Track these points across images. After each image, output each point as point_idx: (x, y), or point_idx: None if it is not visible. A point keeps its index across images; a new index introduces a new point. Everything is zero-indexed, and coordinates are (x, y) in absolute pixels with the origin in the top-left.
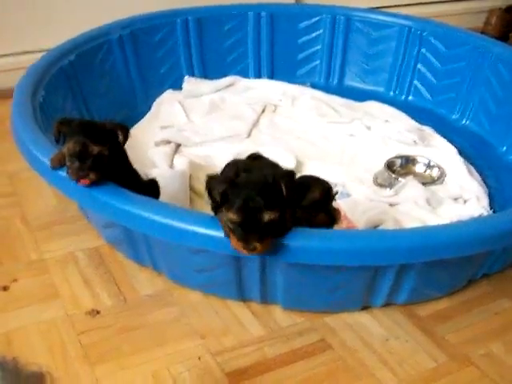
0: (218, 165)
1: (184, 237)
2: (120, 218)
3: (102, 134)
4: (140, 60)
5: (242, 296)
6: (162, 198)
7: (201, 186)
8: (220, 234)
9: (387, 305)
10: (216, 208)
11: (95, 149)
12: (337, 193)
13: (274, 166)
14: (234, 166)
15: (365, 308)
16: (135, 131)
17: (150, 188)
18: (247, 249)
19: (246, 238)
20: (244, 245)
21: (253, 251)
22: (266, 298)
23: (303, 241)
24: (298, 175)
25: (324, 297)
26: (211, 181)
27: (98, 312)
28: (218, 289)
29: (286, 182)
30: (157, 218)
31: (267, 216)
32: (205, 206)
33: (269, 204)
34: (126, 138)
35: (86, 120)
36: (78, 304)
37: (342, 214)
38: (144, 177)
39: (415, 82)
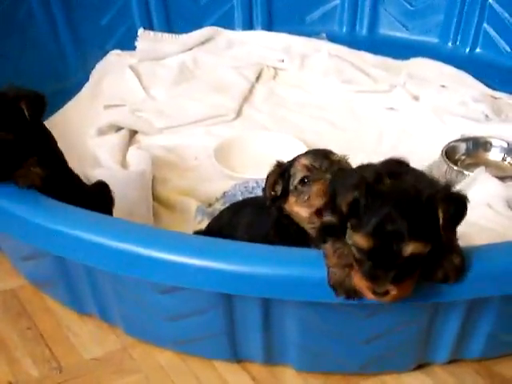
0: (192, 159)
1: (149, 269)
2: (49, 243)
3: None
4: (69, 6)
5: (237, 355)
6: (114, 211)
7: (168, 193)
8: (203, 262)
9: (454, 361)
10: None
11: None
12: None
13: (431, 182)
14: (372, 166)
15: (420, 366)
16: (67, 112)
17: (97, 196)
18: (377, 292)
19: (377, 275)
20: (372, 285)
21: (384, 297)
22: (271, 357)
23: None
24: None
25: (358, 352)
26: (336, 180)
27: None
28: (200, 345)
29: (445, 205)
30: (105, 240)
31: (411, 248)
32: (175, 222)
33: (416, 231)
34: (35, 112)
35: None
36: None
37: None
38: (84, 180)
39: (485, 26)
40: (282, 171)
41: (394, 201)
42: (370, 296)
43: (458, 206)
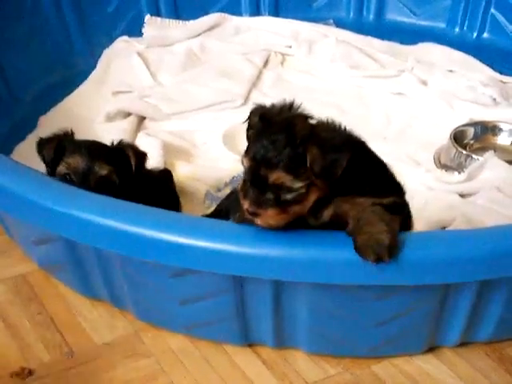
0: (201, 145)
1: (160, 251)
2: (60, 226)
3: (111, 154)
4: None
5: (247, 338)
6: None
7: (177, 178)
8: (216, 245)
9: (465, 344)
10: None
11: (103, 168)
12: None
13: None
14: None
15: (431, 349)
16: (75, 99)
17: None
18: (250, 211)
19: (250, 194)
20: (245, 201)
21: (256, 219)
22: (282, 341)
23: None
24: None
25: (369, 334)
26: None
27: (30, 372)
28: (211, 330)
29: (314, 150)
30: (116, 224)
31: (274, 176)
32: (185, 206)
33: (284, 163)
34: (139, 162)
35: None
36: None
37: None
38: None
39: (493, 10)
40: None
41: (275, 133)
42: (247, 215)
43: (334, 157)
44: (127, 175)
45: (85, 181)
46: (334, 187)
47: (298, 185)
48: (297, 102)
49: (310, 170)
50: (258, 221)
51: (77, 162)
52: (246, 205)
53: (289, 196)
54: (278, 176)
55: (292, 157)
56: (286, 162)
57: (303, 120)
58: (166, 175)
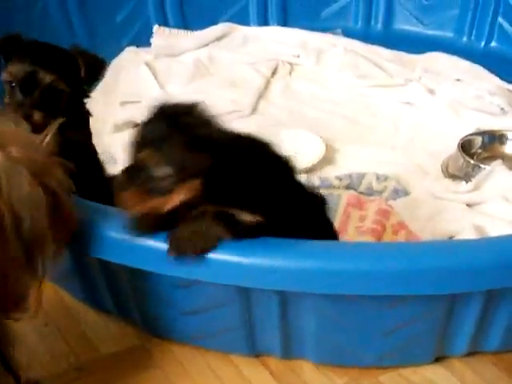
0: None
1: (164, 263)
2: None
3: (61, 61)
4: (84, 2)
5: (255, 349)
6: None
7: None
8: (219, 255)
9: (473, 353)
10: None
11: (47, 77)
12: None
13: None
14: None
15: (438, 359)
16: None
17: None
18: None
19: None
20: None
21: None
22: (289, 351)
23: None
24: (329, 166)
25: (376, 344)
26: None
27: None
28: (218, 340)
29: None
30: (119, 234)
31: (145, 153)
32: None
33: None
34: (91, 73)
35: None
36: None
37: (398, 219)
38: None
39: (500, 20)
40: None
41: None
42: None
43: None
44: (78, 85)
45: (28, 90)
46: (209, 193)
47: (164, 172)
48: (203, 106)
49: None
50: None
51: (18, 69)
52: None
53: (153, 183)
54: (147, 154)
55: (166, 141)
56: (160, 144)
57: (190, 115)
58: None
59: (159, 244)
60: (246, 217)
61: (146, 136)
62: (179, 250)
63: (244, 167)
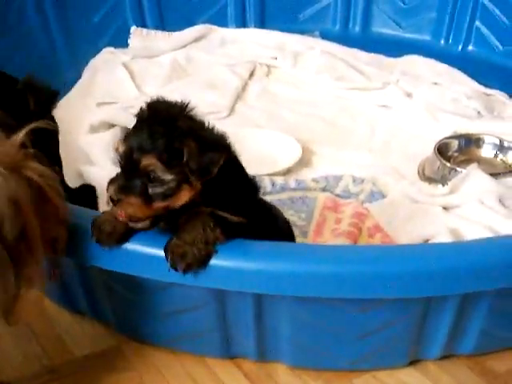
0: None
1: (143, 266)
2: None
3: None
4: (61, 3)
5: (230, 352)
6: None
7: None
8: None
9: (447, 357)
10: None
11: None
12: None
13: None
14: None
15: (413, 363)
16: (59, 110)
17: (81, 197)
18: (112, 199)
19: (121, 183)
20: (110, 187)
21: (118, 205)
22: (264, 354)
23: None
24: (305, 168)
25: (350, 348)
26: None
27: None
28: (193, 343)
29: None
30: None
31: (146, 161)
32: None
33: (161, 152)
34: (41, 105)
35: None
36: None
37: (374, 222)
38: (72, 179)
39: (477, 23)
40: None
41: (156, 123)
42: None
43: (211, 154)
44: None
45: None
46: (206, 194)
47: (168, 177)
48: (191, 105)
49: (185, 165)
50: (118, 210)
51: None
52: (110, 191)
53: (157, 189)
54: (149, 162)
55: (168, 148)
56: (161, 150)
57: (186, 117)
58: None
59: (140, 248)
60: (234, 218)
61: (142, 142)
62: (183, 267)
63: (232, 172)
